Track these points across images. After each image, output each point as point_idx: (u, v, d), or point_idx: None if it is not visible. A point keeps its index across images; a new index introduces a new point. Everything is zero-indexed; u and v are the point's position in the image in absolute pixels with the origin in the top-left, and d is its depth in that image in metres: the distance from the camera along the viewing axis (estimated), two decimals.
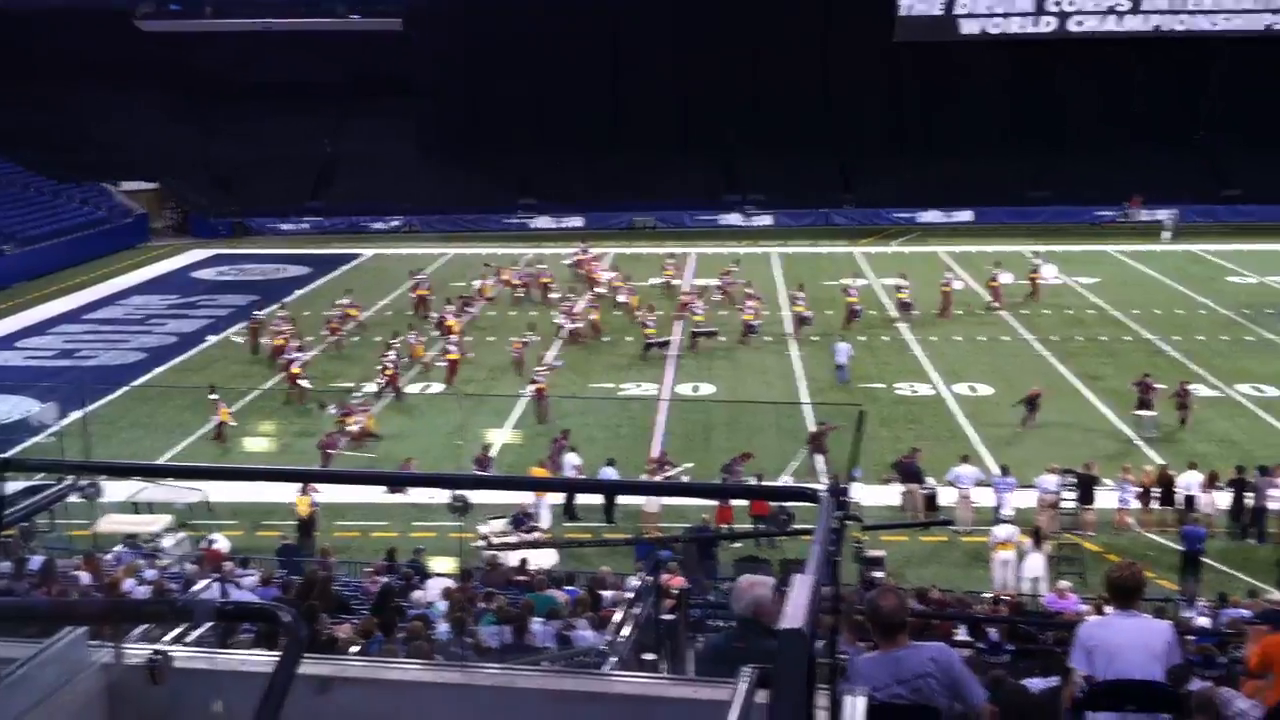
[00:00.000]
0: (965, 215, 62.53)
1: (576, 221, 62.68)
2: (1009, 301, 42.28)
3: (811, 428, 27.76)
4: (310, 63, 65.77)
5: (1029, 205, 61.94)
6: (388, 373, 32.43)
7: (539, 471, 24.60)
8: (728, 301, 41.82)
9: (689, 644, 8.97)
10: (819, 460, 25.69)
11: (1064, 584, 19.13)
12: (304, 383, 32.37)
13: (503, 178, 64.48)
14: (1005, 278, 43.47)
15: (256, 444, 29.38)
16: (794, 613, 2.75)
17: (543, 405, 30.42)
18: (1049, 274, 45.62)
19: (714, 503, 22.72)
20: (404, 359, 34.19)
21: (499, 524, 22.26)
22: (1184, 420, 29.03)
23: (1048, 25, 64.77)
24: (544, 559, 20.78)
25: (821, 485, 4.32)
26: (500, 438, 28.14)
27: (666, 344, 37.07)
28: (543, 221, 62.77)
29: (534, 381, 31.21)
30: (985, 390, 32.63)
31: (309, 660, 3.96)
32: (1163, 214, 58.50)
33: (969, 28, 65.06)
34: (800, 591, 2.85)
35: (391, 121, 66.06)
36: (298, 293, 47.51)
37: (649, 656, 7.19)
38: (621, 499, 24.47)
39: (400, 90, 66.39)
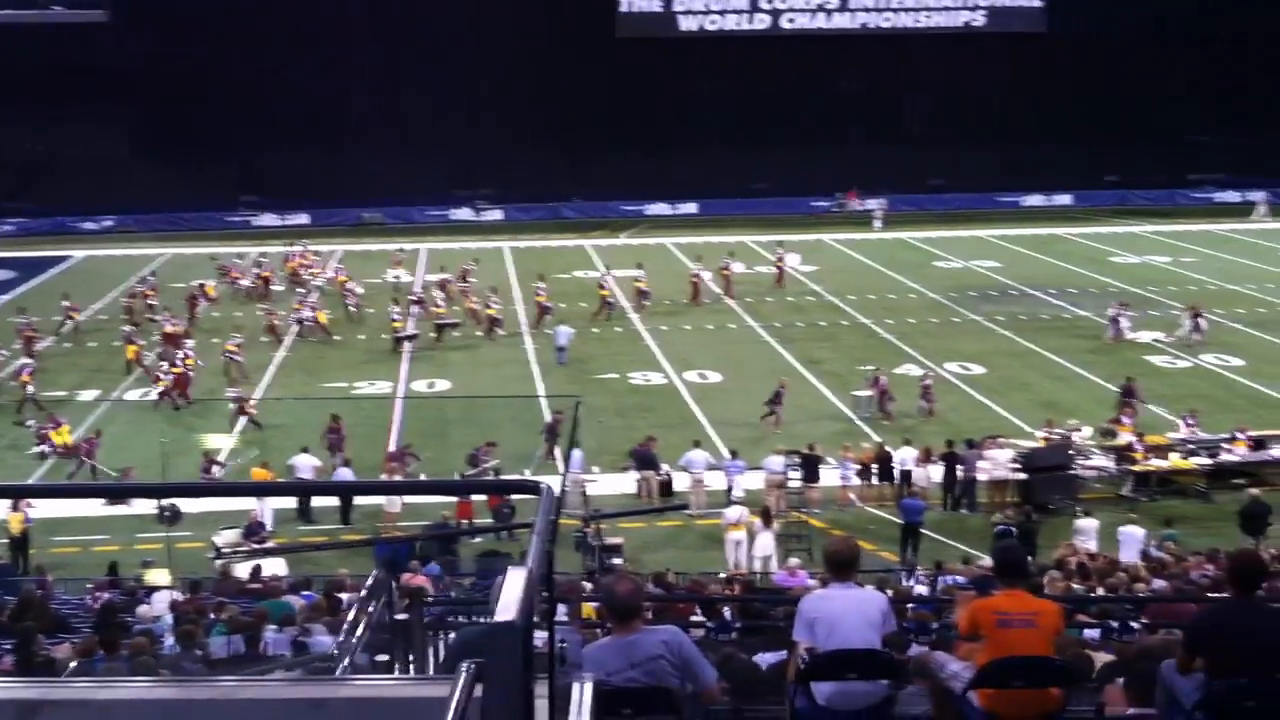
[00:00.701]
0: (690, 207, 64.10)
1: (302, 219, 61.12)
2: (740, 290, 43.46)
3: (548, 419, 27.93)
4: (10, 57, 61.76)
5: (750, 197, 63.92)
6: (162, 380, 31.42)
7: (261, 475, 23.87)
8: (463, 298, 41.24)
9: (429, 642, 8.90)
10: (557, 451, 25.89)
11: (794, 561, 19.83)
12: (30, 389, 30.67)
13: (223, 174, 62.10)
14: (737, 267, 44.75)
15: None
16: (506, 605, 2.77)
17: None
18: (793, 261, 47.11)
19: (453, 499, 22.63)
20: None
21: (232, 534, 21.55)
22: (930, 411, 29.82)
23: (761, 23, 67.02)
24: (277, 566, 20.23)
25: (556, 476, 4.35)
26: (225, 444, 27.21)
27: (415, 337, 36.87)
28: (267, 219, 60.84)
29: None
30: (715, 377, 33.47)
31: (15, 684, 3.77)
32: (872, 203, 61.42)
33: (687, 24, 66.69)
34: (513, 584, 2.87)
35: (101, 118, 62.47)
36: (2, 298, 44.77)
37: (383, 658, 7.10)
38: (359, 499, 24.06)
39: (109, 85, 62.78)
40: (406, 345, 36.44)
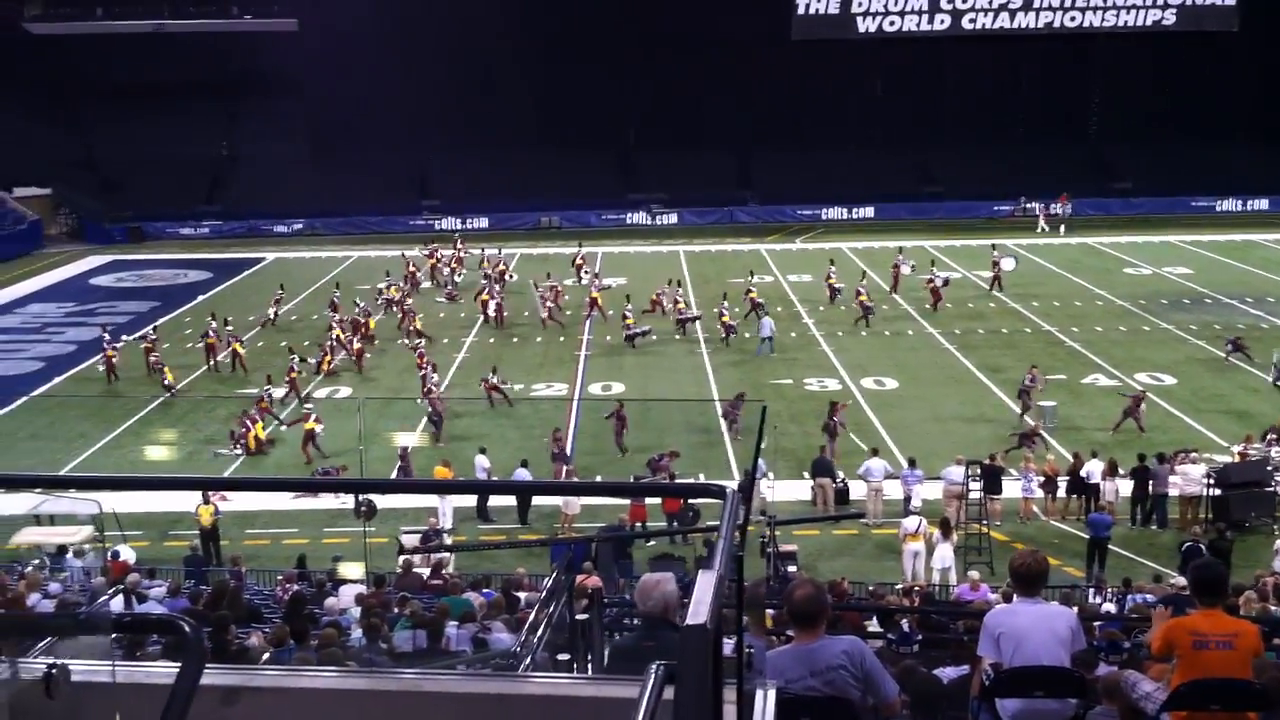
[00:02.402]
0: (867, 211, 63.42)
1: (482, 222, 62.45)
2: (951, 296, 42.70)
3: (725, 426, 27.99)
4: (201, 63, 64.63)
5: (927, 200, 63.02)
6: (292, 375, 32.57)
7: (444, 473, 24.41)
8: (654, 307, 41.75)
9: (604, 643, 8.95)
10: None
11: (974, 574, 19.41)
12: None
13: (403, 178, 63.93)
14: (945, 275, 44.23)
15: (157, 452, 28.92)
16: (697, 609, 2.75)
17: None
18: (1008, 265, 46.28)
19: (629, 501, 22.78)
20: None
21: (413, 539, 22.10)
22: (1140, 427, 28.61)
23: (941, 23, 65.86)
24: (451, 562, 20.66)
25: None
26: (410, 441, 27.88)
27: (648, 333, 38.09)
28: (448, 222, 62.28)
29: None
30: (891, 384, 33.01)
31: (215, 671, 3.89)
32: (1056, 208, 59.74)
33: (865, 25, 65.97)
34: (704, 587, 2.85)
35: (285, 122, 64.81)
36: (200, 298, 46.84)
37: (563, 657, 7.16)
38: (538, 499, 24.41)
39: (294, 90, 64.89)
40: (648, 338, 37.90)
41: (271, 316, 41.07)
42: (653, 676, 2.90)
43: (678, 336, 38.66)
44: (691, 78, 65.10)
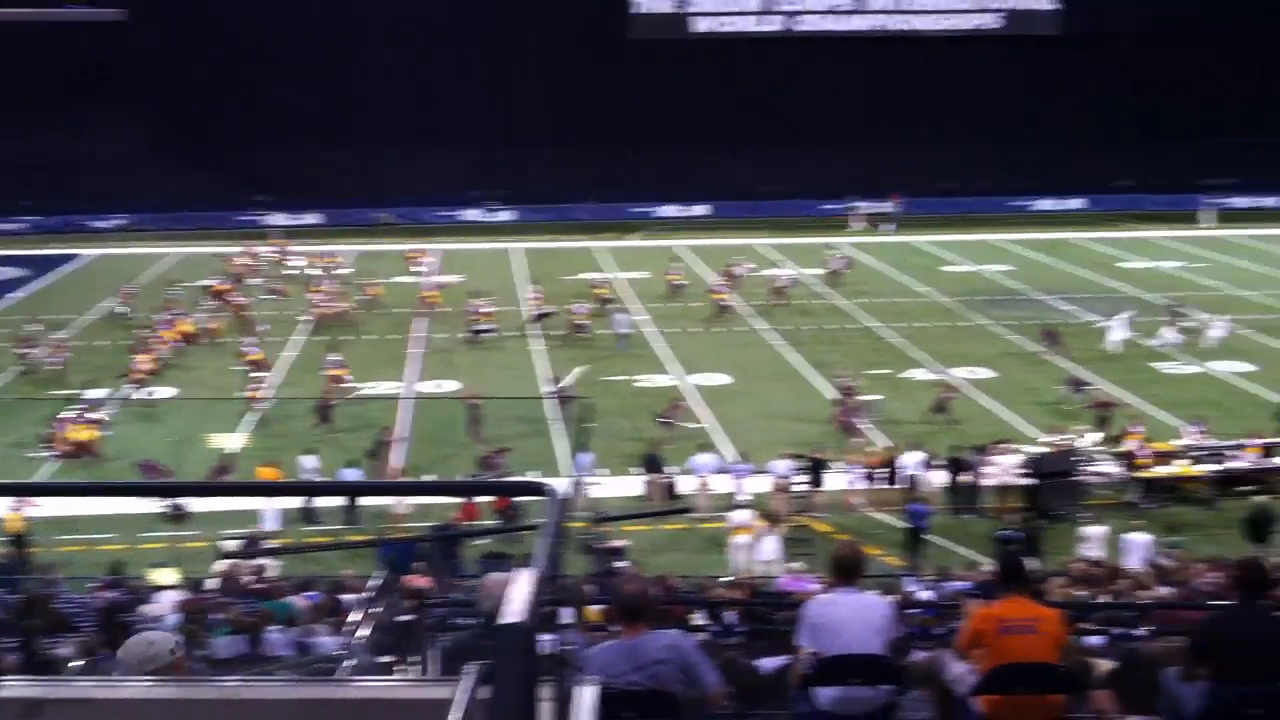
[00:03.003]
0: (702, 209, 64.21)
1: (314, 218, 61.26)
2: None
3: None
4: (25, 55, 61.89)
5: (762, 199, 64.01)
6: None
7: (269, 474, 23.90)
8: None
9: (432, 643, 8.92)
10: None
11: (797, 565, 19.83)
12: None
13: (234, 174, 62.27)
14: (786, 273, 44.89)
15: None
16: (512, 606, 2.78)
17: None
18: (839, 264, 47.19)
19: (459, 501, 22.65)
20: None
21: (235, 545, 21.58)
22: (948, 417, 29.46)
23: (774, 25, 67.17)
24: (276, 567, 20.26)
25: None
26: (233, 443, 27.24)
27: (492, 330, 37.98)
28: (278, 218, 60.87)
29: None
30: (722, 380, 33.45)
31: (17, 683, 3.79)
32: (884, 207, 61.40)
33: (700, 26, 66.82)
34: (520, 585, 2.89)
35: (115, 116, 62.57)
36: (11, 296, 44.98)
37: (386, 659, 7.12)
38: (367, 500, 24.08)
39: (124, 83, 62.77)
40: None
41: (122, 312, 39.95)
42: (468, 677, 2.93)
43: (533, 332, 38.60)
44: (536, 73, 64.92)
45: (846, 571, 7.39)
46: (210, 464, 25.05)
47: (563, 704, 3.70)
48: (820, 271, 46.54)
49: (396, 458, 26.62)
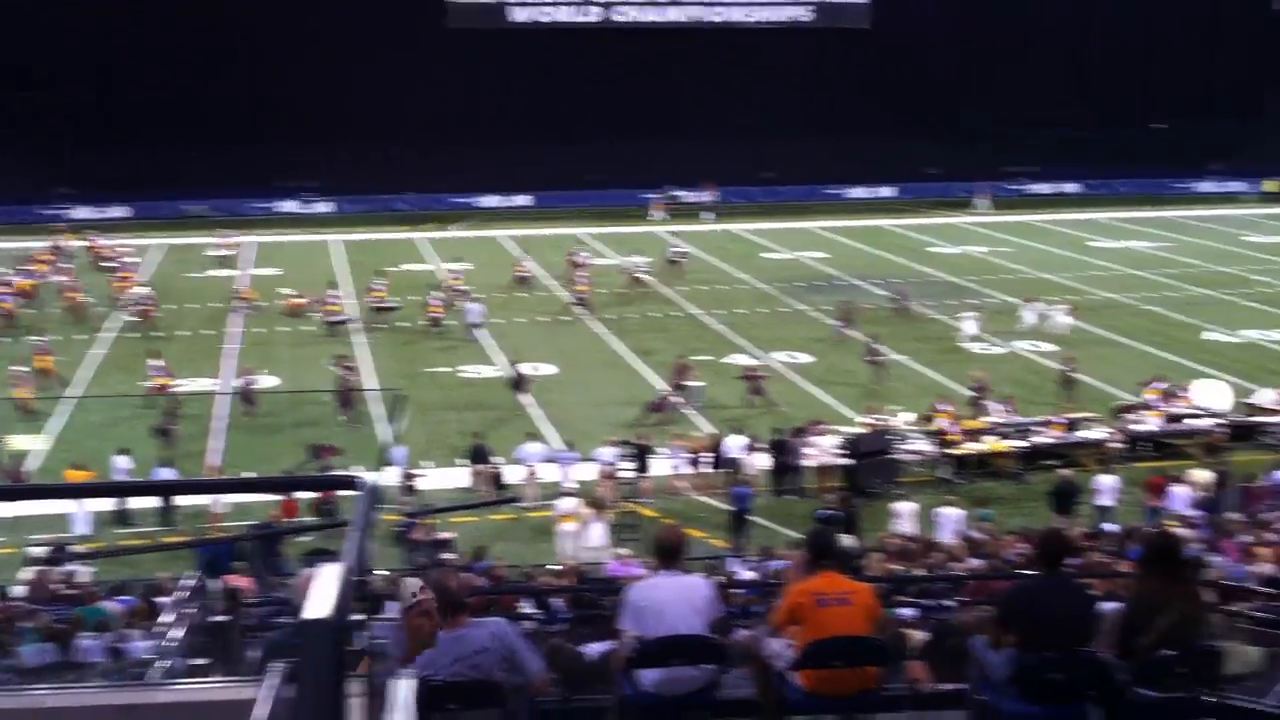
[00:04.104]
0: (524, 200, 64.07)
1: (120, 211, 59.12)
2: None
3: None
4: None
5: (585, 189, 64.12)
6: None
7: (78, 476, 23.01)
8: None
9: (251, 644, 8.73)
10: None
11: (625, 550, 19.97)
12: None
13: (36, 165, 59.61)
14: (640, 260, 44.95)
15: None
16: (316, 602, 2.74)
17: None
18: (678, 255, 47.46)
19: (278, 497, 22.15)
20: None
21: (43, 551, 20.71)
22: (761, 402, 30.15)
23: (593, 15, 67.43)
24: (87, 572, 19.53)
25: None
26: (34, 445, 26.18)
27: (347, 321, 37.69)
28: (83, 212, 58.51)
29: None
30: (548, 370, 33.45)
31: None
32: (704, 196, 62.24)
33: (518, 16, 66.64)
34: (325, 580, 2.84)
35: None
36: None
37: (201, 661, 6.95)
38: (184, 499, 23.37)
39: None
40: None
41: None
42: (273, 676, 2.87)
43: (380, 327, 38.03)
44: (344, 66, 63.64)
45: (668, 555, 7.49)
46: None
47: (378, 698, 3.66)
48: (638, 260, 46.87)
49: (213, 456, 25.96)
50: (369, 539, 3.57)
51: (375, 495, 3.83)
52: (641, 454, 25.25)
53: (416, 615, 5.02)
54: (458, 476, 25.17)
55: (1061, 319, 36.90)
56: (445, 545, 20.18)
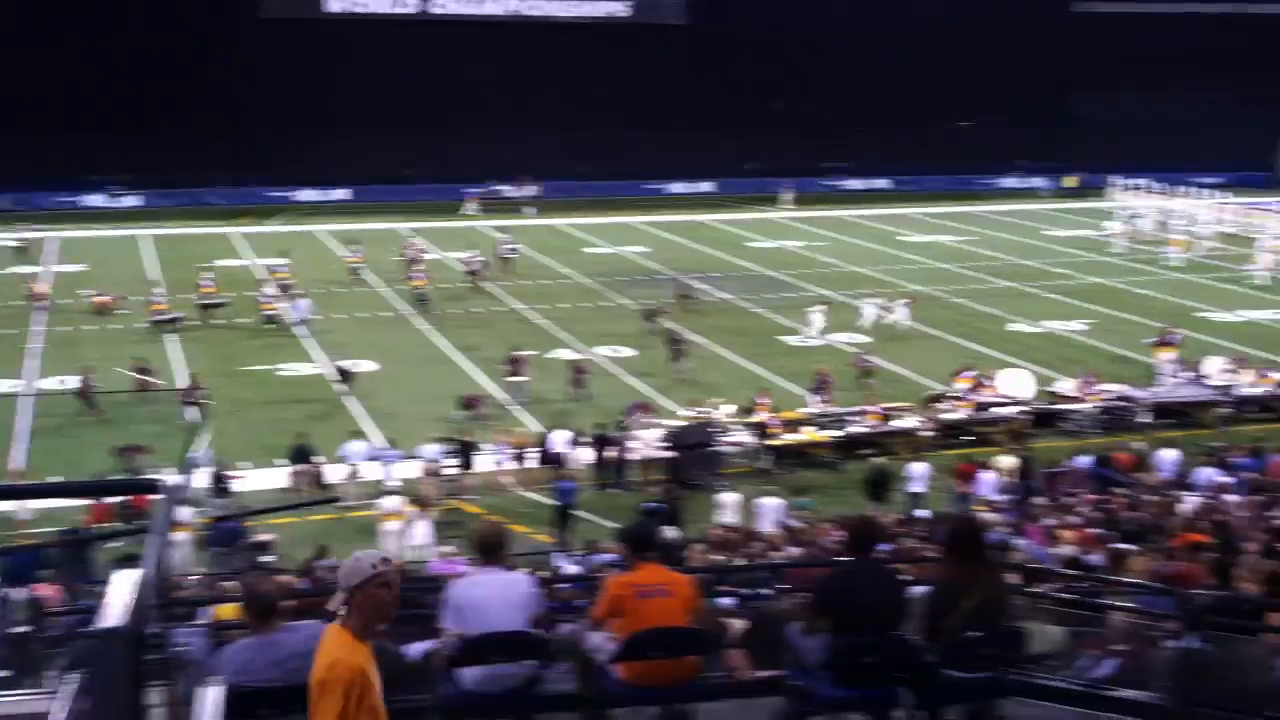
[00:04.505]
0: (342, 193, 63.03)
1: None
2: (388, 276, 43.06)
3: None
4: None
5: (401, 183, 63.38)
6: None
7: None
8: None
9: (57, 655, 8.38)
10: None
11: (448, 548, 19.82)
12: None
13: None
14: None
15: None
16: (109, 611, 2.65)
17: None
18: (505, 250, 47.05)
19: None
20: None
21: None
22: (581, 395, 30.24)
23: (410, 6, 66.65)
24: None
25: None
26: None
27: (179, 319, 36.75)
28: None
29: None
30: (369, 366, 32.95)
31: None
32: (525, 190, 62.19)
33: (334, 6, 65.44)
34: (120, 588, 2.76)
35: None
36: None
37: (3, 673, 6.65)
38: None
39: None
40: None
41: None
42: (69, 686, 2.77)
43: (209, 324, 36.97)
44: (155, 53, 61.52)
45: (489, 551, 7.46)
46: None
47: (185, 707, 3.57)
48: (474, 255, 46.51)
49: (16, 460, 24.87)
50: (170, 544, 3.47)
51: (180, 498, 3.72)
52: (465, 450, 25.09)
53: (374, 588, 4.97)
54: (277, 477, 24.64)
55: (903, 314, 37.72)
56: (264, 547, 19.73)
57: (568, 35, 70.10)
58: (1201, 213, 57.78)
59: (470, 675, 7.08)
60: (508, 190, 63.36)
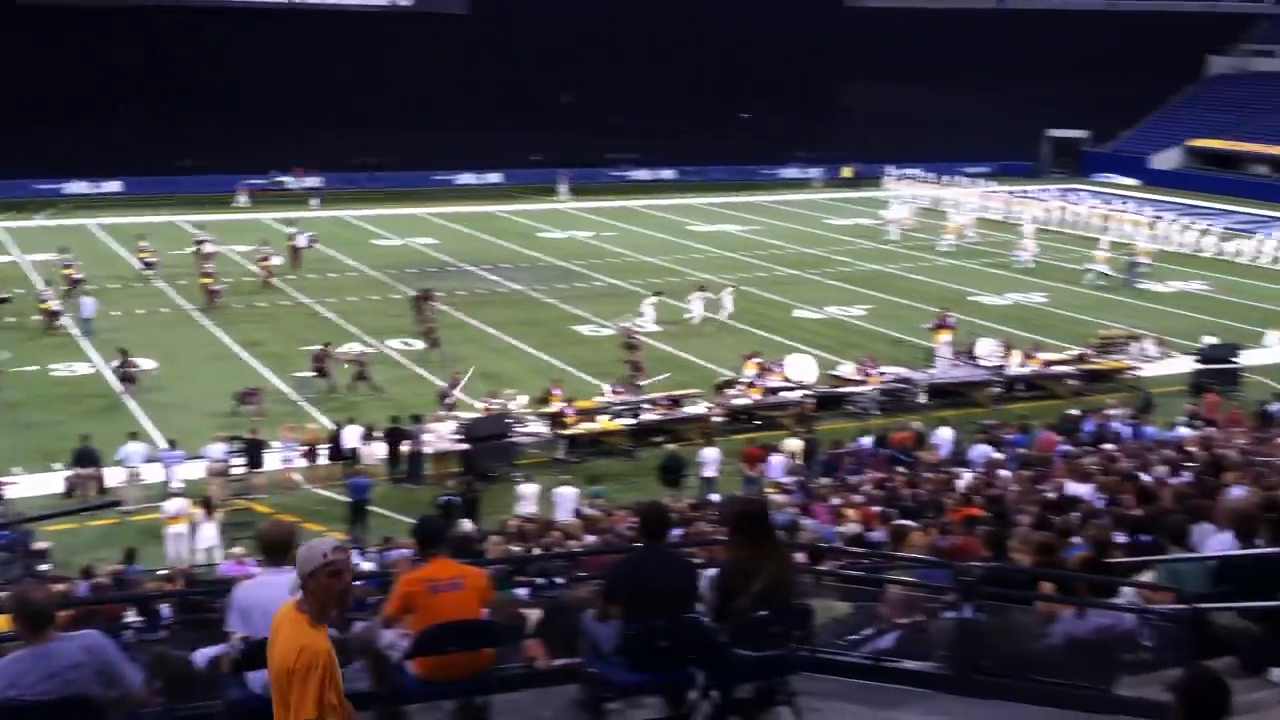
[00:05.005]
0: (114, 186, 60.60)
1: None
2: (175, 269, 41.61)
3: None
4: None
5: (177, 175, 61.30)
6: None
7: None
8: None
9: None
10: None
11: (239, 550, 19.30)
12: None
13: None
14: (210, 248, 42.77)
15: None
16: None
17: None
18: (303, 240, 45.73)
19: None
20: None
21: None
22: (374, 388, 29.93)
23: None
24: None
25: None
26: None
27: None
28: None
29: None
30: (147, 364, 31.78)
31: None
32: (310, 181, 60.93)
33: None
34: None
35: None
36: None
37: None
38: None
39: None
40: None
41: None
42: None
43: None
44: None
45: (275, 551, 7.30)
46: None
47: None
48: (248, 249, 45.30)
49: None
50: None
51: None
52: (253, 449, 24.46)
53: (325, 576, 5.09)
54: (52, 482, 23.61)
55: (727, 302, 37.92)
56: (41, 556, 18.88)
57: (350, 24, 68.82)
58: (970, 201, 60.39)
59: (259, 678, 6.92)
60: (290, 182, 61.88)
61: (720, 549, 10.57)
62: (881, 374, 30.25)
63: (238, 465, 24.25)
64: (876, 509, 16.74)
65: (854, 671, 8.89)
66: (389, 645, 7.35)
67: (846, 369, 30.81)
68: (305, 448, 25.20)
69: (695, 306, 37.48)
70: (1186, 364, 31.94)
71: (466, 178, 67.73)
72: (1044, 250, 48.70)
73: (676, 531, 15.60)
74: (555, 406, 27.11)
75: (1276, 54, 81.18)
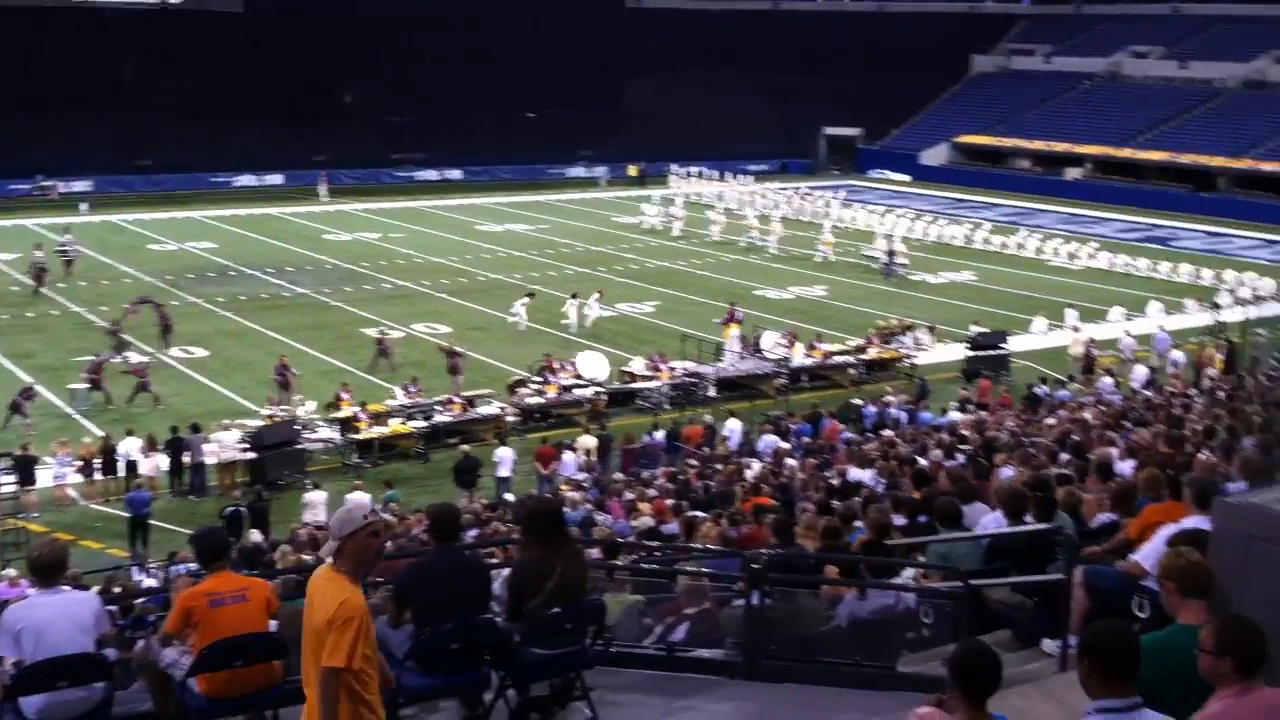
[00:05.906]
0: None
1: None
2: None
3: None
4: None
5: None
6: None
7: None
8: None
9: None
10: None
11: (11, 571, 18.40)
12: None
13: None
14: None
15: None
16: None
17: None
18: (71, 249, 43.66)
19: None
20: None
21: None
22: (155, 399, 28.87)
23: None
24: None
25: None
26: None
27: None
28: None
29: None
30: None
31: None
32: (79, 186, 58.53)
33: None
34: None
35: None
36: None
37: None
38: None
39: None
40: None
41: None
42: None
43: None
44: None
45: (46, 572, 7.02)
46: None
47: None
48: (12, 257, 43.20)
49: None
50: None
51: None
52: (24, 465, 23.30)
53: (365, 536, 5.51)
54: None
55: (595, 308, 37.51)
56: None
57: (122, 23, 66.19)
58: (756, 198, 61.62)
59: (34, 703, 6.64)
60: (61, 186, 59.17)
61: (515, 548, 10.61)
62: (672, 369, 30.68)
63: (8, 483, 23.08)
64: (669, 502, 16.99)
65: (648, 663, 8.99)
66: (170, 664, 7.12)
67: (637, 364, 31.13)
68: (80, 463, 24.15)
69: (572, 314, 37.00)
70: (958, 351, 33.29)
71: (246, 179, 65.92)
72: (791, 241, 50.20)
73: (472, 533, 15.57)
74: (346, 411, 26.64)
75: (1036, 53, 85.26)
